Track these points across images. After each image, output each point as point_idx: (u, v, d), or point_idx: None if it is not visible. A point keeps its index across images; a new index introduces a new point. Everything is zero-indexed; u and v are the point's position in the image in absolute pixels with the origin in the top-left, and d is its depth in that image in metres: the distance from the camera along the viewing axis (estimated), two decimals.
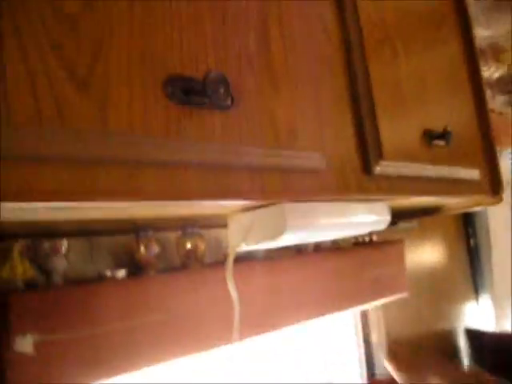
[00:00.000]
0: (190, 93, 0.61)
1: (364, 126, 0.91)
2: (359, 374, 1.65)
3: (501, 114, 2.74)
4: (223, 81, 0.61)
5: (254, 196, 0.71)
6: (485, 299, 2.31)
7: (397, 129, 0.99)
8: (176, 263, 1.12)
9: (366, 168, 0.91)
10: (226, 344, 0.99)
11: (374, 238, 1.60)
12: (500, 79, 2.65)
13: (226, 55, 0.68)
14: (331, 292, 1.27)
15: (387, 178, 0.95)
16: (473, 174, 1.24)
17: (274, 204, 0.79)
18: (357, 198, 0.92)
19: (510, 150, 2.45)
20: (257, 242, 0.81)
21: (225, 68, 0.67)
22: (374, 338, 1.67)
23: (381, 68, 0.98)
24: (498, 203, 1.42)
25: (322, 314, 1.26)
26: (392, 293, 1.51)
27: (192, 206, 0.72)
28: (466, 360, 2.13)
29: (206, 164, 0.63)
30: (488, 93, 2.65)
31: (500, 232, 2.28)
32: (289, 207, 0.78)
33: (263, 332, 1.13)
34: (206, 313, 0.99)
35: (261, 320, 1.11)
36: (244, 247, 0.83)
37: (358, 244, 1.50)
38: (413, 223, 1.84)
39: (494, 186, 1.35)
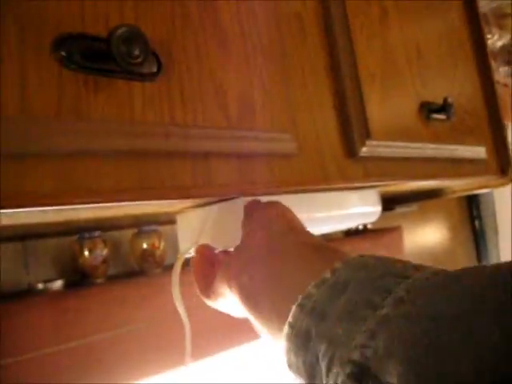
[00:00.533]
0: (94, 57, 0.44)
1: (346, 100, 0.74)
2: None
3: (505, 86, 2.54)
4: (137, 38, 0.44)
5: (196, 193, 0.55)
6: None
7: (387, 102, 0.83)
8: (134, 267, 0.96)
9: (350, 150, 0.74)
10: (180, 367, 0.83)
11: (369, 225, 1.44)
12: (503, 48, 2.45)
13: (151, 6, 0.51)
14: None
15: (377, 160, 0.79)
16: (479, 152, 1.08)
17: (230, 199, 0.62)
18: (340, 186, 0.75)
19: None
20: None
21: (149, 24, 0.51)
22: None
23: (367, 30, 0.81)
24: (508, 184, 1.26)
25: None
26: None
27: (120, 206, 0.56)
28: None
29: (121, 153, 0.46)
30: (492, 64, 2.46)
31: (507, 214, 2.11)
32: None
33: (236, 340, 0.97)
34: (162, 329, 0.83)
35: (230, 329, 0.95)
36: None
37: (350, 234, 1.33)
38: (412, 206, 1.67)
39: (502, 165, 1.18)
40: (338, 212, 0.76)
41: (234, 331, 0.96)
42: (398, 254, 1.41)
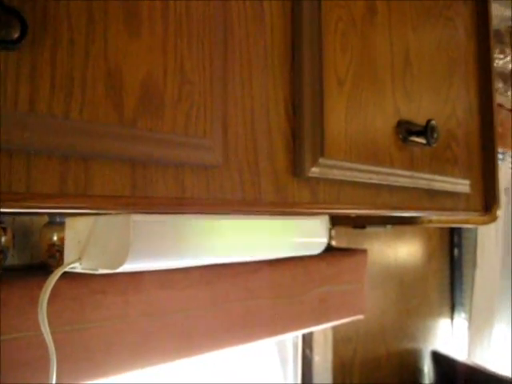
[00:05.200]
0: None
1: (302, 106, 0.60)
2: None
3: (511, 111, 2.39)
4: None
5: (63, 202, 0.41)
6: (460, 321, 2.03)
7: (356, 114, 0.69)
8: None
9: (297, 168, 0.60)
10: None
11: (333, 242, 1.30)
12: None
13: None
14: (256, 314, 0.98)
15: (330, 184, 0.65)
16: (462, 185, 0.94)
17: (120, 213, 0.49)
18: (276, 211, 0.61)
19: None
20: (92, 268, 0.51)
21: None
22: (318, 359, 1.38)
23: (344, 26, 0.67)
24: (491, 223, 1.12)
25: (244, 342, 0.97)
26: (344, 315, 1.22)
27: None
28: None
29: None
30: (500, 86, 2.32)
31: (489, 246, 1.98)
32: (142, 221, 0.48)
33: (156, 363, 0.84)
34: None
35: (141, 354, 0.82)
36: (81, 268, 0.53)
37: None
38: (386, 226, 1.54)
39: (487, 201, 1.05)
40: (270, 240, 0.62)
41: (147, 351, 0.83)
42: (359, 278, 1.27)
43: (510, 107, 2.33)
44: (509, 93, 2.29)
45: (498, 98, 2.12)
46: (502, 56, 2.12)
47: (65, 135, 0.39)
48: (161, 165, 0.46)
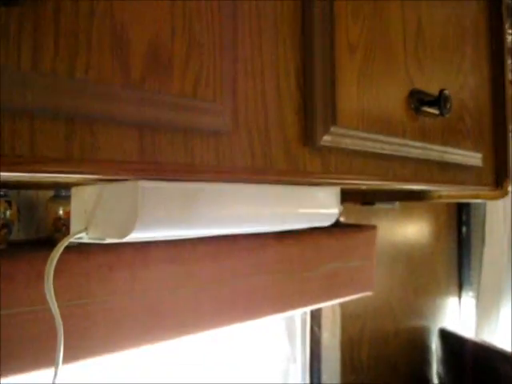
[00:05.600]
0: None
1: (313, 72, 0.58)
2: (301, 380, 1.37)
3: None
4: None
5: (70, 167, 0.39)
6: (468, 299, 2.02)
7: (368, 83, 0.67)
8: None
9: (308, 136, 0.59)
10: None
11: (342, 218, 1.29)
12: None
13: None
14: (264, 290, 0.96)
15: (342, 153, 0.63)
16: (474, 158, 0.92)
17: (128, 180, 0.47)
18: (288, 180, 0.60)
19: None
20: (99, 238, 0.50)
21: None
22: (326, 336, 1.38)
23: None
24: (501, 198, 1.11)
25: (251, 318, 0.96)
26: (353, 291, 1.21)
27: None
28: (435, 364, 1.86)
29: None
30: (510, 62, 2.28)
31: (498, 224, 1.96)
32: (150, 187, 0.46)
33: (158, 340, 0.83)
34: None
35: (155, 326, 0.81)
36: (87, 238, 0.52)
37: (316, 228, 1.18)
38: (394, 203, 1.52)
39: (498, 175, 1.03)
40: (280, 210, 0.61)
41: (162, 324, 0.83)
42: (368, 254, 1.26)
43: None
44: None
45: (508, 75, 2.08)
46: (511, 31, 2.08)
47: (69, 96, 0.38)
48: (169, 129, 0.45)
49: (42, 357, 0.72)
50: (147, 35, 0.43)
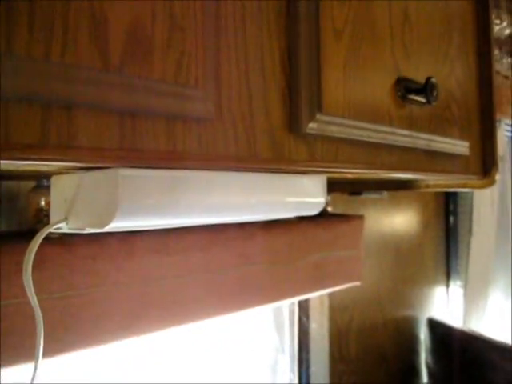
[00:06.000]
0: None
1: (298, 58, 0.57)
2: (289, 371, 1.37)
3: (506, 78, 2.35)
4: None
5: (46, 154, 0.38)
6: (455, 289, 2.02)
7: (354, 69, 0.66)
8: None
9: (293, 123, 0.58)
10: None
11: (329, 208, 1.28)
12: (510, 37, 2.26)
13: None
14: (252, 281, 0.96)
15: (327, 141, 0.62)
16: (461, 146, 0.92)
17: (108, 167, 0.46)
18: (271, 167, 0.59)
19: (510, 121, 2.10)
20: (80, 228, 0.48)
21: None
22: (314, 326, 1.38)
23: None
24: (489, 186, 1.10)
25: (239, 309, 0.96)
26: (340, 281, 1.20)
27: None
28: (423, 353, 1.87)
29: None
30: (496, 52, 2.27)
31: (485, 213, 1.96)
32: (131, 175, 0.45)
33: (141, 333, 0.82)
34: None
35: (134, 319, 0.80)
36: (67, 228, 0.50)
37: (303, 217, 1.18)
38: (382, 193, 1.52)
39: (486, 164, 1.03)
40: (266, 198, 0.60)
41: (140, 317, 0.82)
42: (355, 244, 1.26)
43: (504, 74, 2.30)
44: (504, 60, 2.25)
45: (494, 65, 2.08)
46: (498, 21, 2.07)
47: (45, 80, 0.36)
48: (150, 116, 0.44)
49: (25, 351, 0.70)
50: (127, 18, 0.41)
